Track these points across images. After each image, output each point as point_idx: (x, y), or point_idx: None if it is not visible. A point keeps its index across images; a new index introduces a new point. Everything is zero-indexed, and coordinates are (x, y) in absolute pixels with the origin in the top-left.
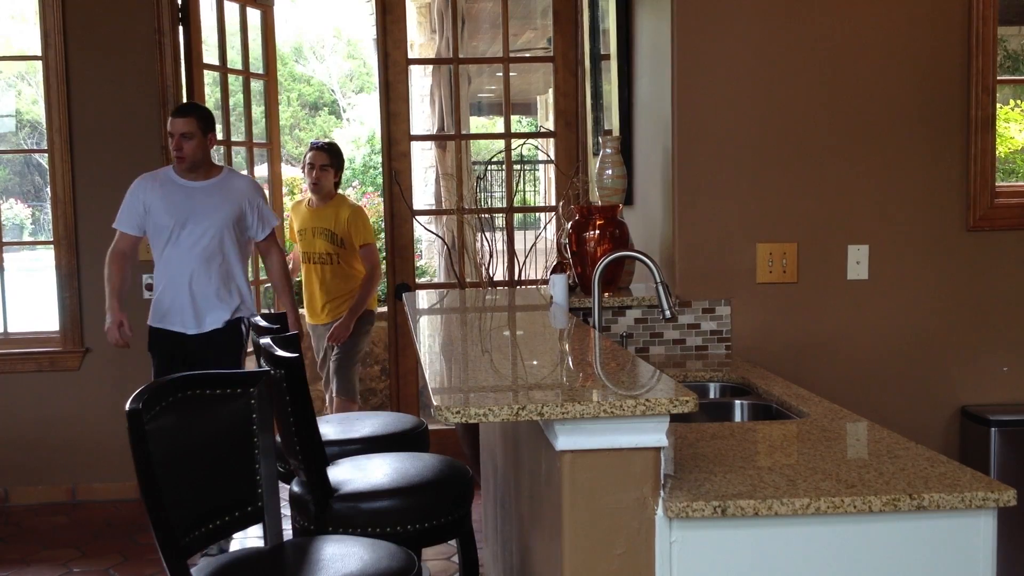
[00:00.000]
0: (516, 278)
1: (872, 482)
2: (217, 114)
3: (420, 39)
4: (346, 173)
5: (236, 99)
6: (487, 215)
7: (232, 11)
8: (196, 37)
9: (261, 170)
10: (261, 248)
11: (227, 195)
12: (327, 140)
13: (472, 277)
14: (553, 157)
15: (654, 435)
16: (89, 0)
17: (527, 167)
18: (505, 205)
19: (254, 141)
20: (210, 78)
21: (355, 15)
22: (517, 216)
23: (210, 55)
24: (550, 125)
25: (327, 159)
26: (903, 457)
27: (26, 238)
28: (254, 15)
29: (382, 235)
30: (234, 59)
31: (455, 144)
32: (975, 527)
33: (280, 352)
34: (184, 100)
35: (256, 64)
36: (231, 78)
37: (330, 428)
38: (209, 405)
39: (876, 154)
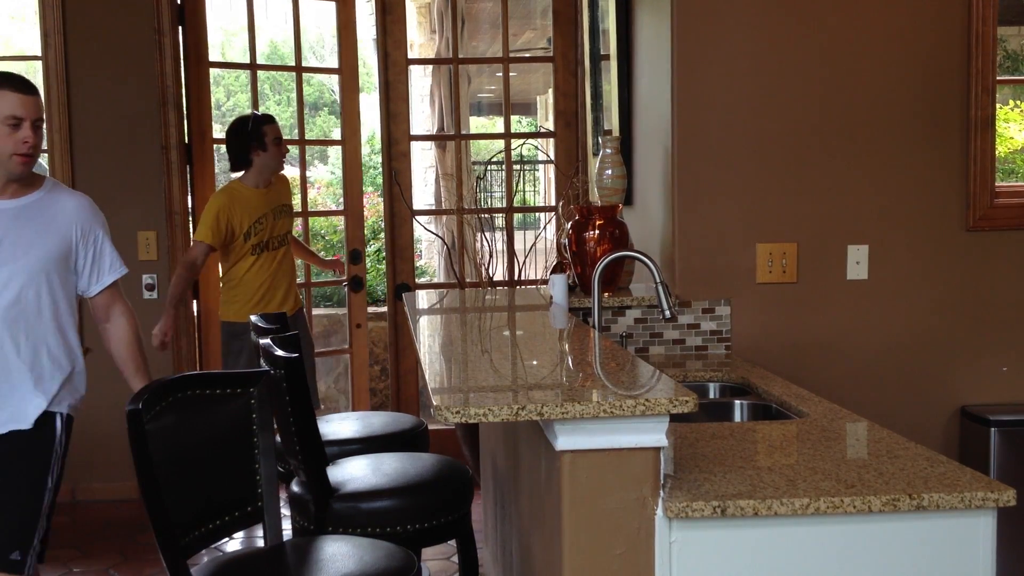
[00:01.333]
0: (516, 278)
1: (872, 482)
2: (239, 112)
3: (420, 39)
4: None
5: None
6: (487, 215)
7: (280, 5)
8: (198, 35)
9: (320, 172)
10: (96, 307)
11: (51, 220)
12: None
13: (472, 277)
14: (553, 157)
15: (654, 435)
16: (89, 0)
17: (527, 167)
18: (505, 205)
19: (326, 138)
20: (230, 77)
21: (355, 15)
22: (517, 216)
23: (233, 53)
24: (550, 125)
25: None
26: (903, 457)
27: None
28: (311, 7)
29: (382, 235)
30: (258, 55)
31: (455, 144)
32: (975, 527)
33: (280, 352)
34: (186, 100)
35: (310, 57)
36: (270, 75)
37: (330, 428)
38: (209, 405)
39: (876, 154)
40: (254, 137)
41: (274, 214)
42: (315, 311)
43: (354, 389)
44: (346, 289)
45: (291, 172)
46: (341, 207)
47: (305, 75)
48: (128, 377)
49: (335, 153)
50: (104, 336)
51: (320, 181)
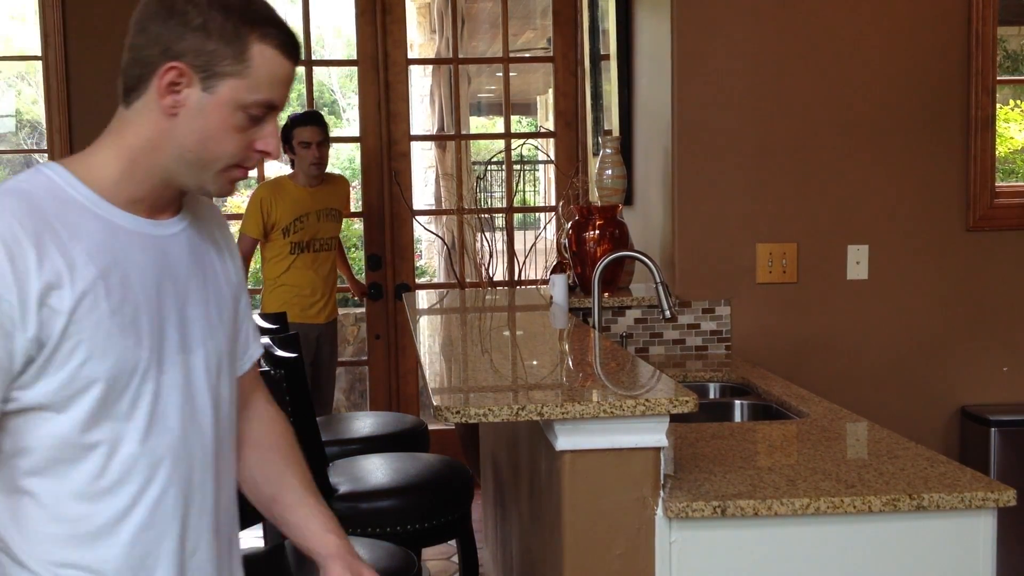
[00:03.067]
0: (516, 278)
1: (872, 482)
2: None
3: (420, 39)
4: (346, 173)
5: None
6: (487, 215)
7: (279, 5)
8: None
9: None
10: (245, 385)
11: (205, 252)
12: (310, 110)
13: (472, 277)
14: (553, 157)
15: (654, 435)
16: (89, 0)
17: (527, 167)
18: (505, 205)
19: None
20: None
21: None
22: (517, 216)
23: None
24: (550, 125)
25: (323, 133)
26: (903, 457)
27: None
28: None
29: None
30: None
31: (455, 144)
32: (975, 527)
33: (280, 352)
34: None
35: (322, 49)
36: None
37: (330, 428)
38: None
39: (876, 154)
40: (285, 137)
41: (319, 215)
42: None
43: (372, 402)
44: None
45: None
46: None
47: (301, 75)
48: (306, 509)
49: (334, 154)
50: (245, 436)
51: None
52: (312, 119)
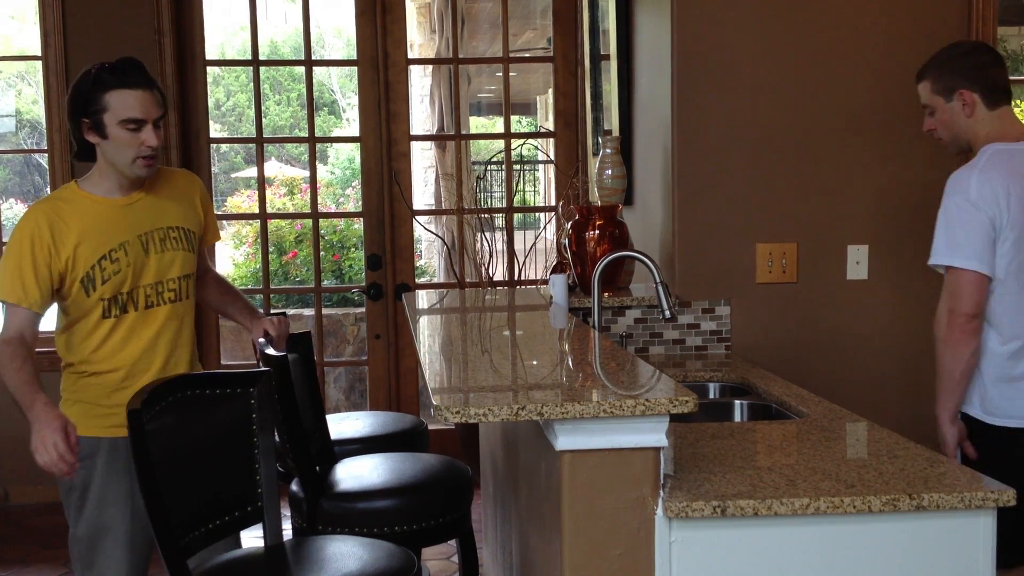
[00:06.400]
0: (516, 278)
1: (872, 482)
2: (239, 111)
3: (420, 39)
4: (345, 173)
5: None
6: (487, 215)
7: (279, 7)
8: (193, 32)
9: (319, 171)
10: None
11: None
12: (131, 58)
13: (472, 277)
14: (553, 157)
15: (654, 435)
16: (89, 0)
17: (527, 167)
18: (505, 205)
19: (337, 135)
20: (230, 76)
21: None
22: (517, 216)
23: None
24: (550, 125)
25: (163, 105)
26: (903, 457)
27: None
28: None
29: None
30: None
31: (455, 144)
32: (975, 527)
33: (268, 351)
34: (180, 100)
35: (325, 49)
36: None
37: (330, 428)
38: (209, 405)
39: (876, 154)
40: (87, 108)
41: (147, 243)
42: (304, 311)
43: (372, 402)
44: (364, 296)
45: (298, 172)
46: (339, 208)
47: (301, 75)
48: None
49: (334, 153)
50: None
51: (319, 181)
52: (142, 81)
